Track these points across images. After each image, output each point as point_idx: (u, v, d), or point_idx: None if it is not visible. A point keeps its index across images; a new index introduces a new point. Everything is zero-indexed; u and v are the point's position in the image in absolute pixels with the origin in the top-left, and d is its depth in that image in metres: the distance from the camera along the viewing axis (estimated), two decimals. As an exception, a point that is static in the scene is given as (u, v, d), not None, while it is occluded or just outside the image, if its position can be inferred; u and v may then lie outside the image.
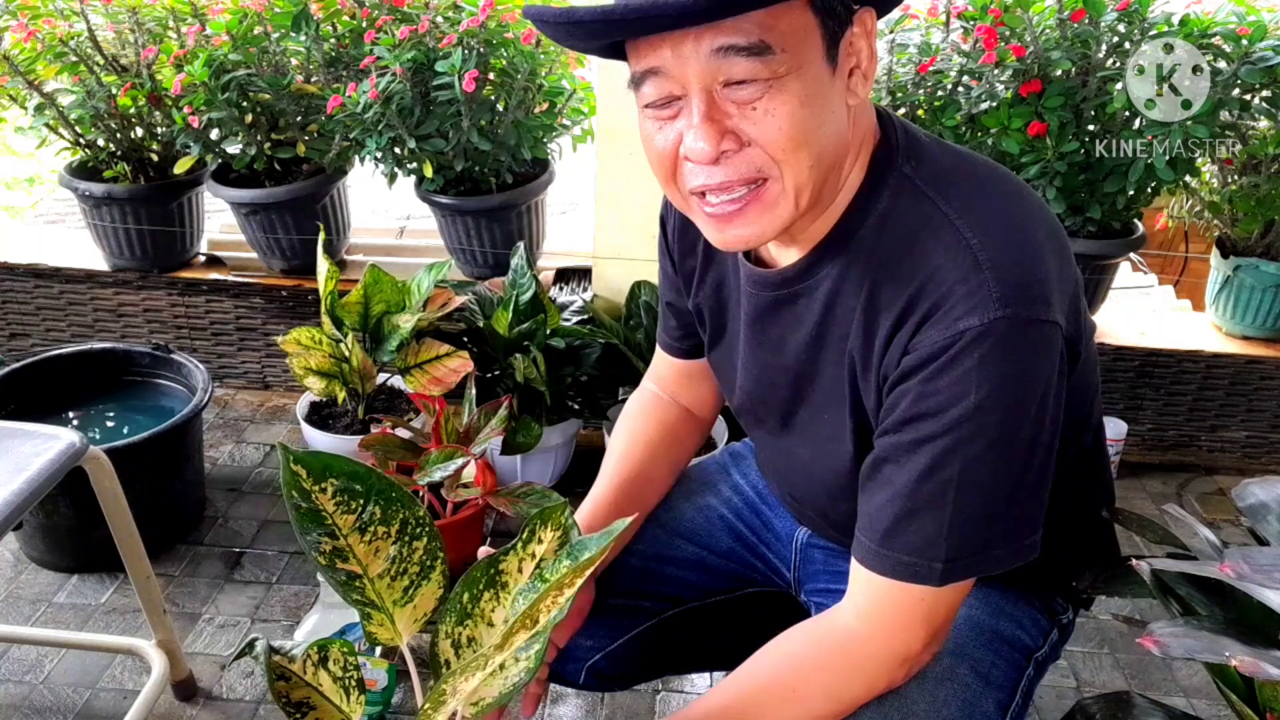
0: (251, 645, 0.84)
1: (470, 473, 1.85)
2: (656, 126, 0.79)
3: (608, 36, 0.77)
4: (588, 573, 0.71)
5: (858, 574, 0.86)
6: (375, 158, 2.07)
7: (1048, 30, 1.86)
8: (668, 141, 0.79)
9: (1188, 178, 1.94)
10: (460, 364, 1.90)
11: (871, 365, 0.85)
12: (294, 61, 2.12)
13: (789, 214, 0.80)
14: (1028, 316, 0.77)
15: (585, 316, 2.15)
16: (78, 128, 2.22)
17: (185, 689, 1.60)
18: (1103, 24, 1.84)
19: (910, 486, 0.81)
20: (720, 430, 2.06)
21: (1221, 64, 1.78)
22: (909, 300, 0.80)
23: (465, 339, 2.06)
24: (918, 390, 0.79)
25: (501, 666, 0.74)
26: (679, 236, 1.05)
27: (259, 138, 2.13)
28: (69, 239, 2.57)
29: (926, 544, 0.81)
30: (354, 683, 0.84)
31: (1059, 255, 0.83)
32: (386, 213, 2.84)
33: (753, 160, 0.77)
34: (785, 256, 0.91)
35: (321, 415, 2.09)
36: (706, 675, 1.65)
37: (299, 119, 2.12)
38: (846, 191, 0.85)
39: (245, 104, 2.08)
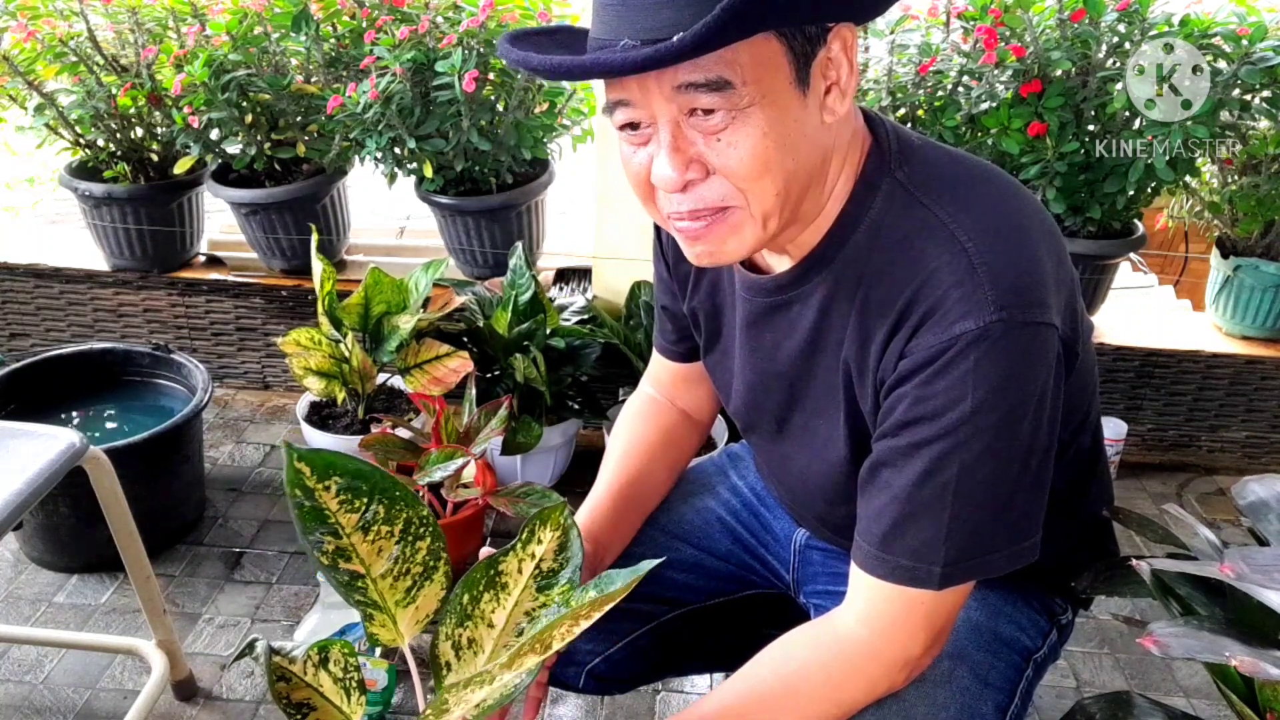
0: (252, 646, 0.84)
1: (470, 473, 1.86)
2: (631, 150, 0.81)
3: (579, 80, 0.78)
4: (607, 607, 0.71)
5: (857, 578, 0.86)
6: (375, 158, 2.07)
7: (1048, 30, 1.86)
8: (641, 165, 0.80)
9: (1188, 178, 1.94)
10: (460, 364, 1.90)
11: (867, 370, 0.85)
12: (294, 61, 2.12)
13: (755, 237, 0.81)
14: (1024, 319, 0.77)
15: (585, 316, 2.15)
16: (78, 128, 2.22)
17: (185, 689, 1.60)
18: (1103, 24, 1.84)
19: (908, 490, 0.81)
20: (720, 430, 2.06)
21: (1221, 64, 1.78)
22: (905, 304, 0.80)
23: (465, 339, 2.06)
24: (914, 394, 0.79)
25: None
26: (673, 241, 1.05)
27: (259, 138, 2.13)
28: (69, 239, 2.56)
29: (925, 548, 0.81)
30: (355, 684, 0.84)
31: (1055, 256, 0.82)
32: (387, 213, 2.84)
33: (718, 189, 0.78)
34: (779, 264, 0.92)
35: (321, 415, 2.09)
36: (706, 676, 1.65)
37: (299, 119, 2.12)
38: (836, 200, 0.85)
39: (245, 104, 2.08)
